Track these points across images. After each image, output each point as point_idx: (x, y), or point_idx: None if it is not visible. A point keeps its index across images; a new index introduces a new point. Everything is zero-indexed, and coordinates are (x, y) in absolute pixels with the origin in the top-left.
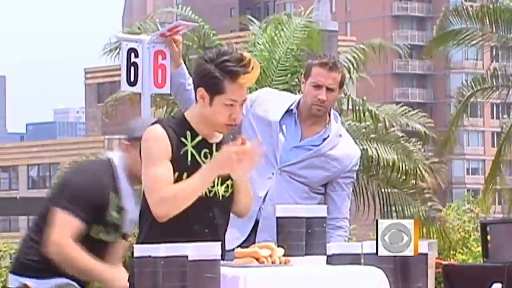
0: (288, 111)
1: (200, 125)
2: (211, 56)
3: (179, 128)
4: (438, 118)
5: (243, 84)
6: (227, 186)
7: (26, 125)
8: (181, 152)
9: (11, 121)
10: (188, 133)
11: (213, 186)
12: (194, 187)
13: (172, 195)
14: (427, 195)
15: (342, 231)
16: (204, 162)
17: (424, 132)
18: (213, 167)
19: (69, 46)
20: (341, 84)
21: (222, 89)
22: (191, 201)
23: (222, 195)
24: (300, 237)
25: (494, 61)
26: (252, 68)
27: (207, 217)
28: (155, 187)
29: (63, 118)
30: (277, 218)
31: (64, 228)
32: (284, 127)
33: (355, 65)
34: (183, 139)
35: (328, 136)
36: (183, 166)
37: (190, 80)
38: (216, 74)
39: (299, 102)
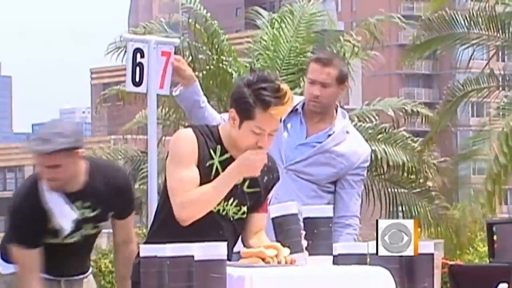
0: (293, 111)
1: (229, 143)
2: (250, 79)
3: (210, 140)
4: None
5: (274, 115)
6: (240, 209)
7: (32, 125)
8: (207, 164)
9: (17, 121)
10: (219, 147)
11: (226, 205)
12: (218, 190)
13: (196, 198)
14: (433, 193)
15: (351, 229)
16: None
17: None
18: (236, 171)
19: (75, 46)
20: (339, 80)
21: (252, 116)
22: (215, 204)
23: (232, 216)
24: (297, 233)
25: (500, 61)
26: (286, 101)
27: (216, 234)
28: (181, 190)
29: (69, 118)
30: (272, 218)
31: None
32: (289, 125)
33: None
34: (211, 152)
35: (334, 132)
36: (206, 178)
37: (204, 98)
38: (249, 100)
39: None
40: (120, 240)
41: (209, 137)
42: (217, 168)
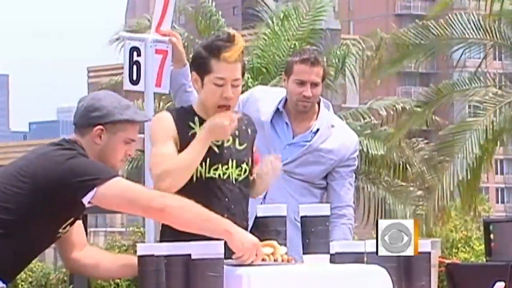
0: (276, 111)
1: (205, 112)
2: (206, 41)
3: (187, 115)
4: (441, 117)
5: (227, 58)
6: (241, 169)
7: (29, 124)
8: (190, 134)
9: (14, 120)
10: (196, 118)
11: (227, 169)
12: (192, 156)
13: (172, 167)
14: (420, 204)
15: (345, 219)
16: (215, 144)
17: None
18: (207, 134)
19: (72, 44)
20: (323, 77)
21: (209, 68)
22: (192, 170)
23: (236, 178)
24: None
25: (497, 60)
26: (237, 43)
27: (224, 202)
28: (155, 163)
29: (66, 117)
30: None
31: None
32: (276, 126)
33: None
34: (191, 123)
35: (318, 129)
36: None
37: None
38: (202, 55)
39: (286, 100)
40: None
41: (184, 113)
42: None
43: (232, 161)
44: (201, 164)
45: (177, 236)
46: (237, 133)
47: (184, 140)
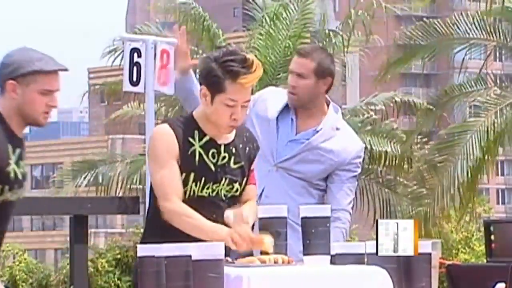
0: (285, 107)
1: (206, 124)
2: (217, 55)
3: (187, 127)
4: (441, 117)
5: (244, 84)
6: (232, 187)
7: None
8: (189, 152)
9: None
10: (196, 132)
11: (217, 186)
12: (199, 229)
13: (179, 216)
14: (426, 200)
15: (339, 222)
16: (212, 162)
17: (424, 104)
18: (220, 237)
19: (72, 45)
20: (317, 72)
21: (223, 88)
22: (189, 233)
23: (225, 195)
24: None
25: (498, 61)
26: (255, 69)
27: (211, 219)
28: (166, 194)
29: (66, 118)
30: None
31: None
32: (281, 122)
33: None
34: (190, 139)
35: (321, 129)
36: (190, 166)
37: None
38: (217, 73)
39: None
40: None
41: (185, 126)
42: (200, 153)
43: (225, 180)
44: (196, 183)
45: (159, 237)
46: (234, 150)
47: (183, 158)
